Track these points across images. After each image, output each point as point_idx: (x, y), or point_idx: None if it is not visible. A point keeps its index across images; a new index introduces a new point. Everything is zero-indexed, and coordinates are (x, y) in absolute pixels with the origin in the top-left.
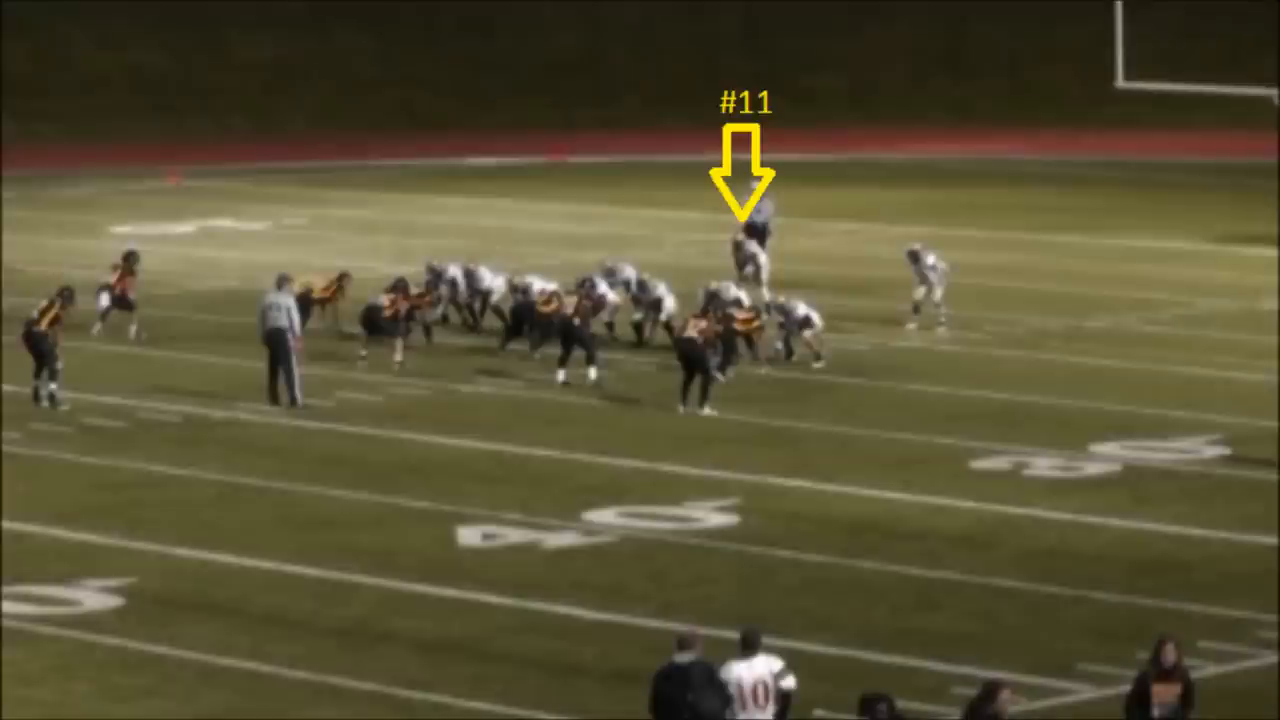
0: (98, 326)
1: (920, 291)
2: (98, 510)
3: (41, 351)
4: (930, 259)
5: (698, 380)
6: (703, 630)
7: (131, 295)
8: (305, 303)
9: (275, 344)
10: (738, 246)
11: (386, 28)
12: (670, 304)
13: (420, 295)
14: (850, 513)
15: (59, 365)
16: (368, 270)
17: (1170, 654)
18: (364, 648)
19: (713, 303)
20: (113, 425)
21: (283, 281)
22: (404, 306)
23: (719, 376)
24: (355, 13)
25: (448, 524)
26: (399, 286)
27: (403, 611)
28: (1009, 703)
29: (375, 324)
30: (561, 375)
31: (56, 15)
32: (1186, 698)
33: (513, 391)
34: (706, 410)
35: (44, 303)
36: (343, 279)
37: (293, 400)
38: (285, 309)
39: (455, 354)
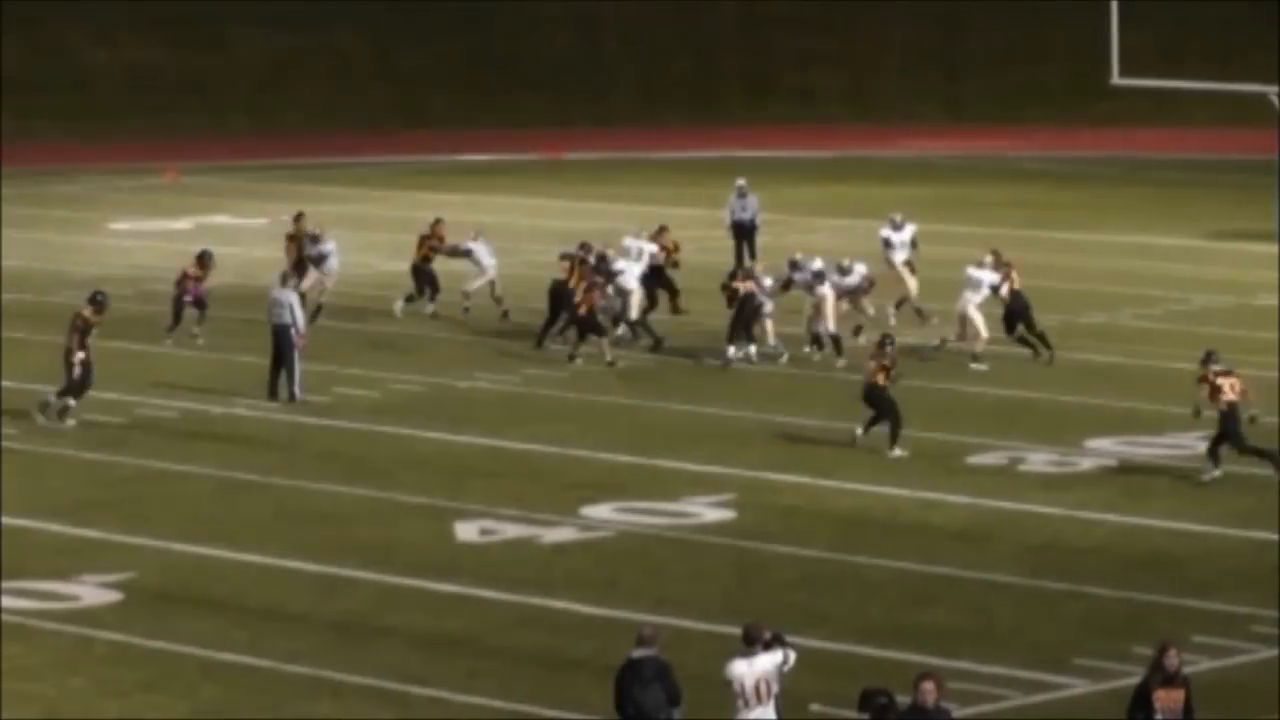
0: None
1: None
2: (96, 505)
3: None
4: (862, 269)
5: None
6: (699, 625)
7: (201, 293)
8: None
9: (279, 340)
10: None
11: (383, 25)
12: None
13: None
14: (846, 508)
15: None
16: (364, 267)
17: (1174, 659)
18: (361, 642)
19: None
20: (111, 421)
21: (286, 278)
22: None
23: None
24: (352, 10)
25: (445, 519)
26: (601, 270)
27: (400, 606)
28: (929, 694)
29: (589, 324)
30: (609, 356)
31: (54, 12)
32: (1188, 704)
33: (510, 387)
34: (897, 452)
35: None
36: None
37: (291, 395)
38: (288, 305)
39: (452, 349)
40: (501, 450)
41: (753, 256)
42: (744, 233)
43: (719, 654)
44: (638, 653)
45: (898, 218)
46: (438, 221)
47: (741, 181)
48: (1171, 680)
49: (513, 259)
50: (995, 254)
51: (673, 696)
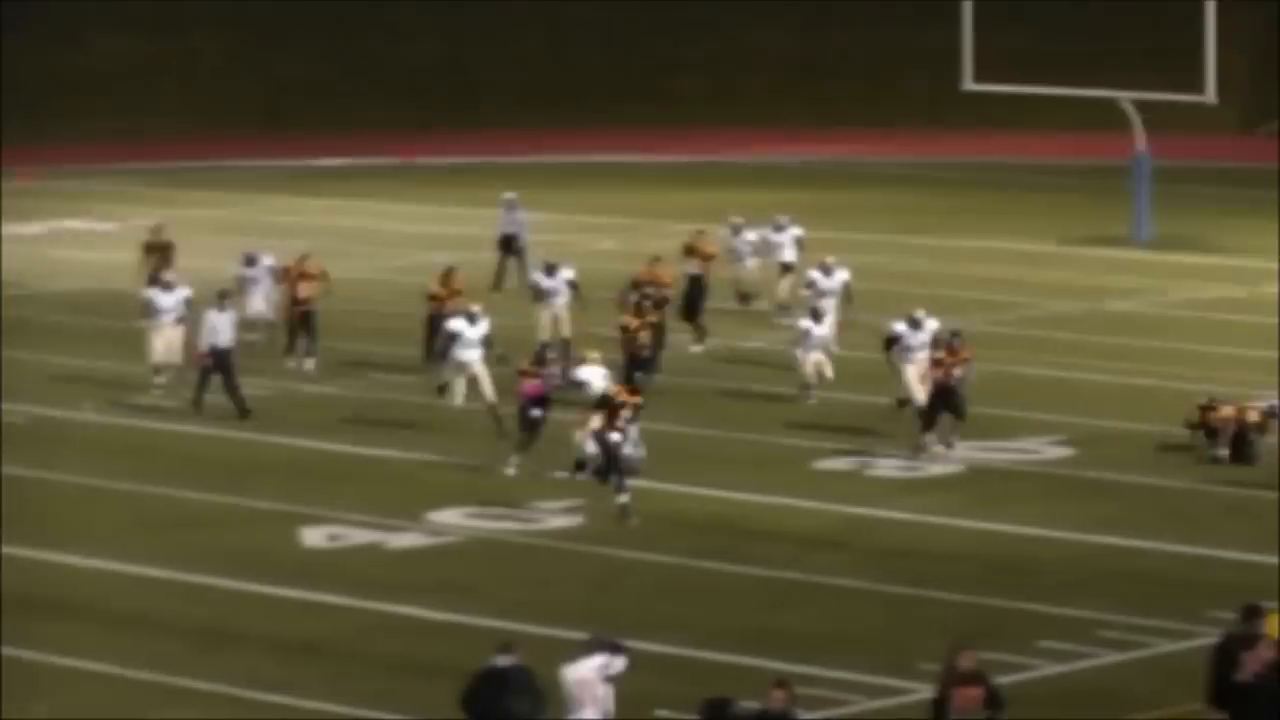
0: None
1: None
2: None
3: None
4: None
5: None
6: (549, 631)
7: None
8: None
9: (222, 361)
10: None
11: (244, 28)
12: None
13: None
14: (699, 513)
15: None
16: (219, 271)
17: (968, 660)
18: (215, 649)
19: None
20: None
21: (224, 298)
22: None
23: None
24: (212, 13)
25: (293, 525)
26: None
27: (252, 612)
28: (779, 700)
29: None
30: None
31: None
32: (992, 701)
33: (356, 393)
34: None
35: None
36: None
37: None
38: (223, 328)
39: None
40: (349, 456)
41: (521, 269)
42: (511, 247)
43: (562, 660)
44: (502, 660)
45: (783, 220)
46: (306, 258)
47: (510, 195)
48: (969, 680)
49: (369, 263)
50: None
51: (539, 704)
